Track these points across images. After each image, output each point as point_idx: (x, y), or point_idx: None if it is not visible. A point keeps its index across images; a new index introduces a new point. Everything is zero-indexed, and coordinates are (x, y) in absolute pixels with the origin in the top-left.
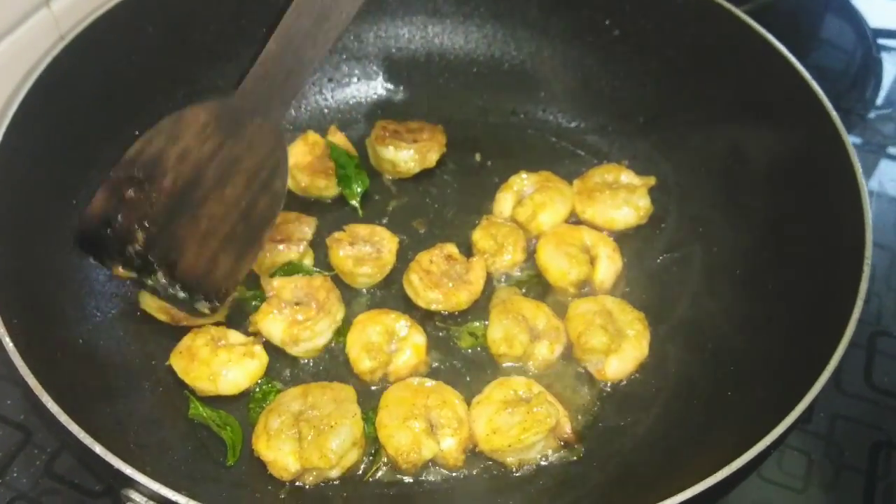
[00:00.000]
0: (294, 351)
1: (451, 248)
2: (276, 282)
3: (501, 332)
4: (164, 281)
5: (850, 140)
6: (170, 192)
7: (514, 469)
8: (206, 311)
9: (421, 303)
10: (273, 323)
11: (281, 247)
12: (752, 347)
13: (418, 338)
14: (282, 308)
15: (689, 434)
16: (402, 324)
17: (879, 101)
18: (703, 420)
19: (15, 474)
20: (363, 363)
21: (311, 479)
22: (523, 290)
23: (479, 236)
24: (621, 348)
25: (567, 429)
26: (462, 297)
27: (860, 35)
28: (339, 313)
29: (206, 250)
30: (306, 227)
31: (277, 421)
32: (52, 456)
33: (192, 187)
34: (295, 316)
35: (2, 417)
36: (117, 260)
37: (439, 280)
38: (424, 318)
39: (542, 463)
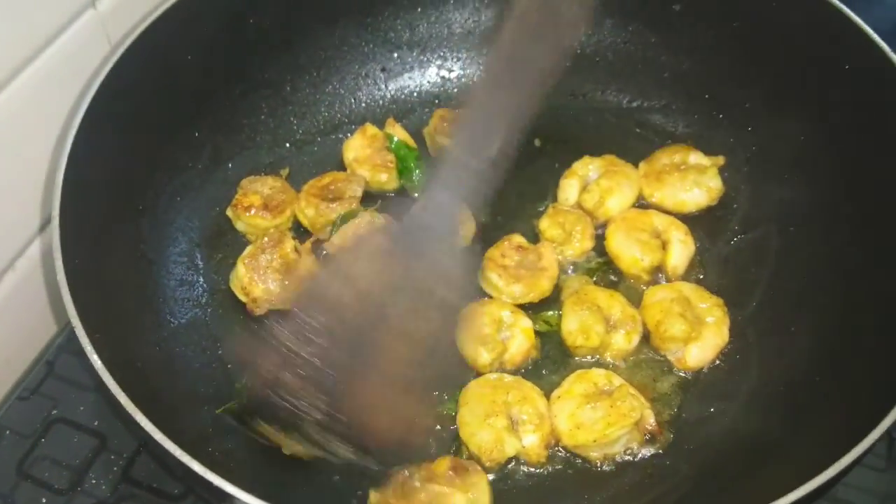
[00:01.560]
0: None
1: (519, 238)
2: (336, 238)
3: (577, 324)
4: (349, 451)
5: None
6: (348, 337)
7: (598, 463)
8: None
9: (506, 298)
10: None
11: (334, 205)
12: (840, 328)
13: (525, 321)
14: None
15: (780, 424)
16: (506, 312)
17: None
18: (794, 408)
19: (93, 481)
20: (481, 357)
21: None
22: (594, 279)
23: (546, 225)
24: (701, 336)
25: (651, 421)
26: (544, 285)
27: None
28: None
29: (393, 402)
30: (356, 185)
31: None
32: (129, 461)
33: (373, 325)
34: None
35: (76, 424)
36: (294, 432)
37: (517, 272)
38: None
39: (627, 457)
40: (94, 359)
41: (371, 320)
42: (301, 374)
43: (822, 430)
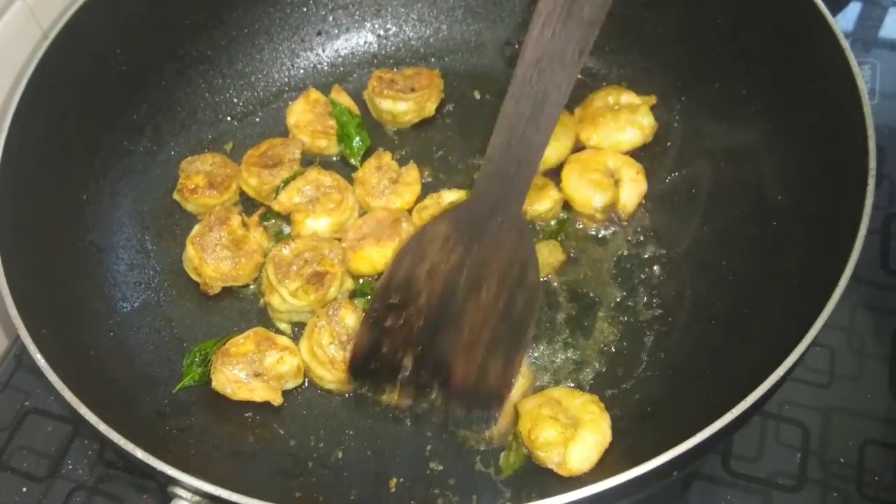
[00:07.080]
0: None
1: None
2: (283, 195)
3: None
4: (439, 402)
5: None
6: (427, 311)
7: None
8: (484, 427)
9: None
10: (317, 219)
11: (275, 170)
12: (767, 259)
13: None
14: (311, 208)
15: (710, 357)
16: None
17: None
18: (724, 341)
19: (70, 466)
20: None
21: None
22: (560, 238)
23: None
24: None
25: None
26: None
27: None
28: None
29: (473, 360)
30: (294, 148)
31: None
32: (103, 443)
33: (448, 300)
34: (327, 206)
35: (49, 413)
36: (392, 389)
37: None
38: None
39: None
40: (38, 357)
41: (442, 293)
42: (397, 340)
43: (752, 363)
